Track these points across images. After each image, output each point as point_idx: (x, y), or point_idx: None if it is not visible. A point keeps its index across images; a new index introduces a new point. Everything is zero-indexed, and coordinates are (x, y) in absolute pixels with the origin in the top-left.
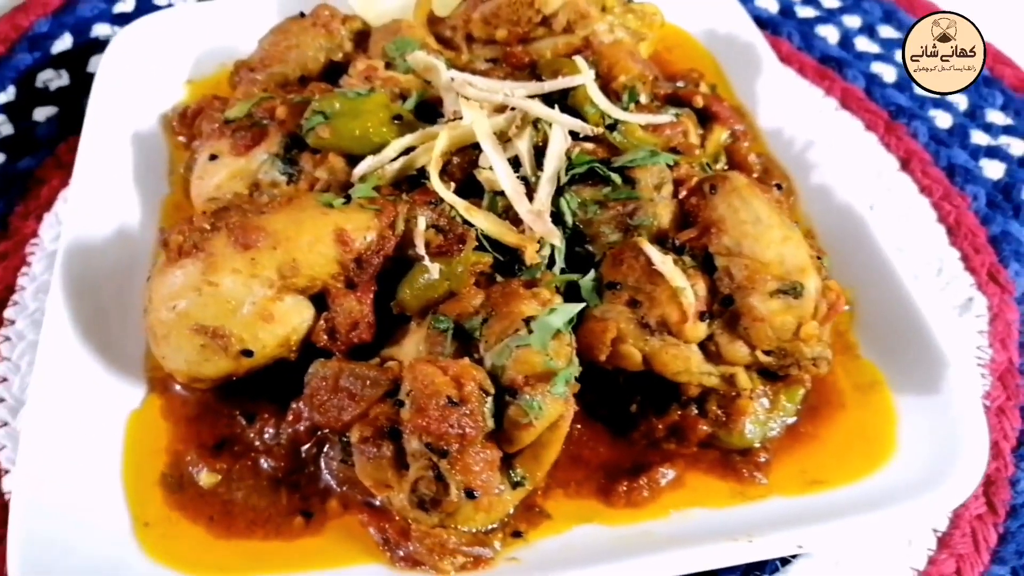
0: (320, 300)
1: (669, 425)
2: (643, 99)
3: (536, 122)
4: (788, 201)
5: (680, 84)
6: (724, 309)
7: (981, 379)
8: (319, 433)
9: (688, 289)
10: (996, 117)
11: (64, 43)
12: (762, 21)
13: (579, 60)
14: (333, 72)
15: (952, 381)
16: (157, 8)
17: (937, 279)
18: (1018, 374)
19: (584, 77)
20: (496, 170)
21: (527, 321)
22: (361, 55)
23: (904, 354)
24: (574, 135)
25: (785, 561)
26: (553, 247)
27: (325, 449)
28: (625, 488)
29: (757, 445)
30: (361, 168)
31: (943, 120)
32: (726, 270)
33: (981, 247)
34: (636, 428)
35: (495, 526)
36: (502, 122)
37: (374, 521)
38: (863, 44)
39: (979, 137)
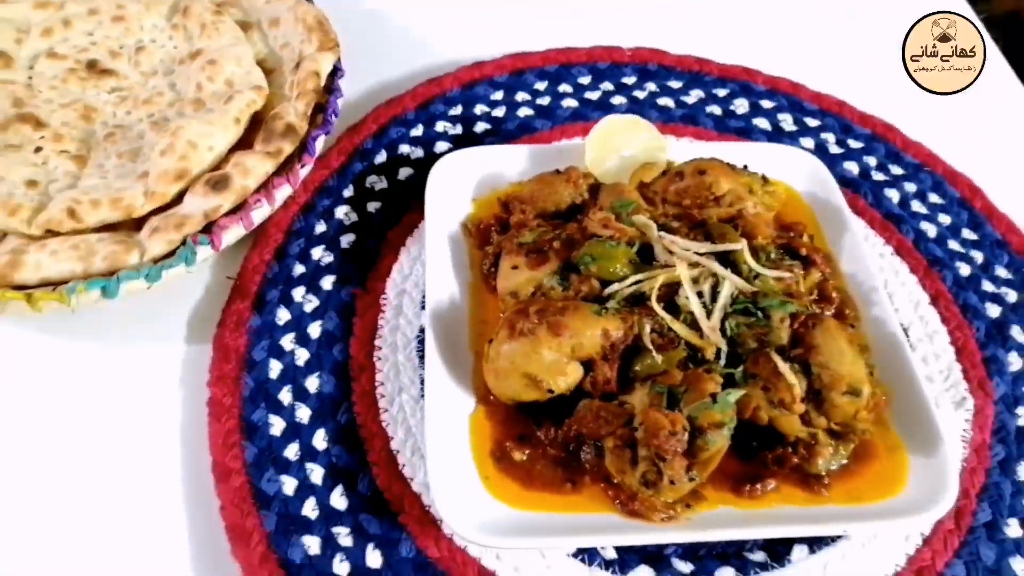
0: (586, 365)
1: (775, 456)
2: (772, 256)
3: (714, 274)
4: (857, 327)
5: (791, 235)
6: (814, 398)
7: (962, 450)
8: (581, 438)
9: (797, 386)
10: (1001, 272)
11: (381, 156)
12: (847, 180)
13: (740, 238)
14: (572, 210)
15: (943, 450)
16: (425, 139)
17: (944, 383)
18: (988, 449)
19: (740, 244)
20: (691, 302)
21: (712, 396)
22: (593, 204)
23: (918, 431)
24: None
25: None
26: (720, 350)
27: (582, 447)
28: (748, 490)
29: (823, 473)
30: (609, 289)
31: (964, 270)
32: (818, 376)
33: (977, 364)
34: (755, 457)
35: (677, 501)
36: (695, 273)
37: (611, 490)
38: (916, 206)
39: (987, 285)
